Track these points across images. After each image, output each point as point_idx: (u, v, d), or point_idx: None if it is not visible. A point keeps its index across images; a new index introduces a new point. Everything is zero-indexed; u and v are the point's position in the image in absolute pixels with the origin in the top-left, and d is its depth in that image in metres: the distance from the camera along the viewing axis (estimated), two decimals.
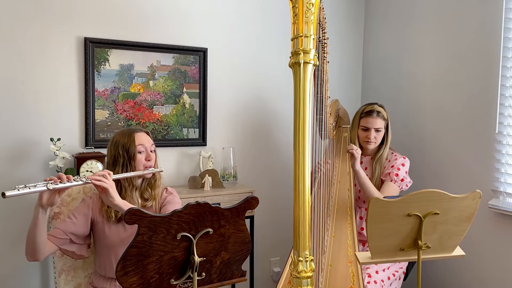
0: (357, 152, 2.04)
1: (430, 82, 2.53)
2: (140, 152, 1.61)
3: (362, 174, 2.05)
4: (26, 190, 1.26)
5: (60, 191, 1.39)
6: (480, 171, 2.22)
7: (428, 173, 2.52)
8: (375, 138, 2.16)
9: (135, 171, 1.60)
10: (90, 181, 1.42)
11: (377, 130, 2.15)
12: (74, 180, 1.39)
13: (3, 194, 1.21)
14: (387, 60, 2.86)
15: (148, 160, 1.63)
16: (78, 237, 1.57)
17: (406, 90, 2.70)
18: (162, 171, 1.70)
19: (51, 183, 1.33)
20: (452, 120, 2.38)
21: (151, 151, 1.65)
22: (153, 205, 1.67)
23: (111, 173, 1.49)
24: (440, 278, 2.46)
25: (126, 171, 1.59)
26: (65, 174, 1.40)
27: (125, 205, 1.45)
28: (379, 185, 2.15)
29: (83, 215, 1.59)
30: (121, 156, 1.58)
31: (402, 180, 2.09)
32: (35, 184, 1.30)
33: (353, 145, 2.08)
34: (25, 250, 1.48)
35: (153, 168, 1.64)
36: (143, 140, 1.63)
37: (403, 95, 2.73)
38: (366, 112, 2.18)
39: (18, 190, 1.24)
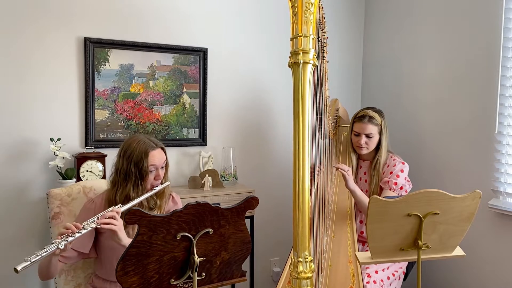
0: (348, 172, 1.97)
1: (430, 81, 2.53)
2: (150, 171, 1.59)
3: (358, 192, 2.01)
4: (38, 258, 1.23)
5: None
6: (480, 171, 2.22)
7: (428, 173, 2.52)
8: (366, 144, 2.13)
9: (143, 191, 1.60)
10: (99, 226, 1.42)
11: (368, 136, 2.12)
12: (83, 228, 1.38)
13: (16, 270, 1.18)
14: (387, 60, 2.86)
15: (156, 180, 1.62)
16: (84, 247, 1.58)
17: (406, 89, 2.70)
18: (168, 185, 1.69)
19: (62, 240, 1.31)
20: (452, 119, 2.38)
21: (161, 168, 1.63)
22: (157, 214, 1.66)
23: (119, 211, 1.49)
24: (440, 278, 2.46)
25: (137, 191, 1.58)
26: (73, 223, 1.38)
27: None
28: (378, 192, 2.13)
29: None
30: (133, 174, 1.57)
31: (401, 187, 2.06)
32: (45, 249, 1.27)
33: (343, 165, 2.00)
34: (38, 273, 1.51)
35: (159, 186, 1.63)
36: (156, 160, 1.60)
37: (402, 94, 2.73)
38: (359, 117, 2.15)
39: (30, 261, 1.21)
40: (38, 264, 1.46)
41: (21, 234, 2.06)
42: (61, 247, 1.30)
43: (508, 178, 2.11)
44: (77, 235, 1.35)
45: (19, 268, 1.18)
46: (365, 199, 2.00)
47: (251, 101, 2.69)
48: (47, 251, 1.26)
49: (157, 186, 1.63)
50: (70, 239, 1.33)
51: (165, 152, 1.66)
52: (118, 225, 1.46)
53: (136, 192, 1.58)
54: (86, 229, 1.38)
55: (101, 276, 1.64)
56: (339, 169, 1.98)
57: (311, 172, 1.27)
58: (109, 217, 1.45)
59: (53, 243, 1.30)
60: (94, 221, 1.42)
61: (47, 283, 2.17)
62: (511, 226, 2.09)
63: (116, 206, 1.51)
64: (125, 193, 1.57)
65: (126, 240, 1.47)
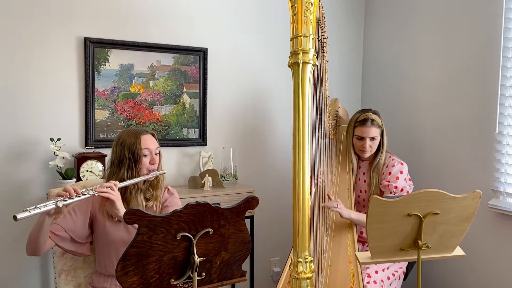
0: (338, 206, 1.94)
1: (430, 81, 2.53)
2: (145, 156, 1.62)
3: (354, 216, 1.99)
4: (37, 211, 1.29)
5: None
6: (480, 171, 2.22)
7: (428, 173, 2.52)
8: (371, 147, 2.11)
9: (139, 174, 1.62)
10: (97, 194, 1.45)
11: (372, 139, 2.11)
12: (82, 194, 1.43)
13: (15, 217, 1.24)
14: (387, 60, 2.86)
15: (152, 164, 1.64)
16: (77, 236, 1.58)
17: (406, 89, 2.70)
18: (165, 173, 1.71)
19: (61, 200, 1.36)
20: (452, 119, 2.38)
21: (155, 154, 1.66)
22: (154, 205, 1.68)
23: (117, 183, 1.52)
24: (440, 278, 2.46)
25: (131, 174, 1.60)
26: (72, 188, 1.42)
27: None
28: (377, 193, 2.12)
29: (83, 212, 1.60)
30: (126, 158, 1.59)
31: (401, 190, 2.05)
32: (45, 204, 1.33)
33: (331, 202, 1.95)
34: (26, 246, 1.51)
35: (156, 172, 1.66)
36: (149, 143, 1.63)
37: (402, 94, 2.73)
38: (360, 121, 2.12)
39: (29, 211, 1.27)
40: (29, 235, 1.48)
41: (21, 234, 2.05)
42: (60, 205, 1.34)
43: (508, 178, 2.11)
44: (75, 198, 1.40)
45: (18, 216, 1.24)
46: (362, 217, 1.96)
47: (251, 101, 2.69)
48: (46, 206, 1.32)
49: (154, 171, 1.65)
50: (68, 201, 1.38)
51: (156, 139, 1.69)
52: (116, 195, 1.48)
53: (131, 175, 1.60)
54: (85, 194, 1.43)
55: (101, 271, 1.65)
56: (330, 209, 1.96)
57: (311, 182, 1.28)
58: (107, 187, 1.48)
59: (52, 201, 1.35)
60: (92, 189, 1.46)
61: (48, 283, 2.17)
62: (511, 226, 2.09)
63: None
64: (119, 178, 1.60)
65: (124, 211, 1.47)
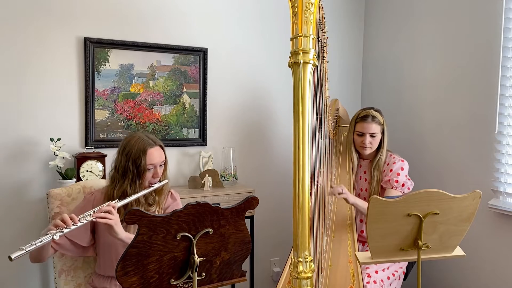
0: (344, 191, 1.94)
1: (430, 82, 2.53)
2: (148, 169, 1.60)
3: (360, 202, 1.99)
4: (33, 247, 1.25)
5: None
6: (480, 171, 2.22)
7: (428, 173, 2.52)
8: (371, 144, 2.12)
9: (141, 188, 1.61)
10: (95, 219, 1.43)
11: (372, 135, 2.11)
12: (79, 221, 1.40)
13: (10, 258, 1.20)
14: (387, 60, 2.86)
15: (154, 178, 1.63)
16: (81, 240, 1.58)
17: (406, 89, 2.70)
18: (167, 182, 1.70)
19: (57, 232, 1.33)
20: (452, 119, 2.38)
21: (160, 166, 1.64)
22: (156, 210, 1.68)
23: (116, 205, 1.50)
24: (440, 278, 2.46)
25: (134, 188, 1.59)
26: (69, 216, 1.39)
27: (127, 238, 1.48)
28: (379, 191, 2.13)
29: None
30: (130, 171, 1.58)
31: (403, 185, 2.06)
32: (41, 239, 1.29)
33: (337, 187, 1.94)
34: (29, 255, 1.50)
35: (158, 183, 1.65)
36: (154, 158, 1.60)
37: (402, 94, 2.73)
38: (361, 117, 2.14)
39: (25, 249, 1.23)
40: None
41: (21, 234, 2.05)
42: (56, 238, 1.31)
43: (508, 178, 2.11)
44: (72, 227, 1.37)
45: (13, 256, 1.20)
46: (367, 206, 1.96)
47: (251, 101, 2.69)
48: (42, 241, 1.28)
49: (155, 183, 1.64)
50: (65, 231, 1.35)
51: (163, 150, 1.67)
52: (114, 220, 1.46)
53: (133, 188, 1.59)
54: (82, 222, 1.40)
55: (100, 273, 1.65)
56: (336, 195, 1.95)
57: (311, 183, 1.29)
58: (105, 212, 1.46)
59: (48, 234, 1.31)
60: (90, 214, 1.44)
61: (48, 283, 2.17)
62: (511, 226, 2.09)
63: (113, 201, 1.53)
64: (122, 189, 1.59)
65: (123, 234, 1.48)
